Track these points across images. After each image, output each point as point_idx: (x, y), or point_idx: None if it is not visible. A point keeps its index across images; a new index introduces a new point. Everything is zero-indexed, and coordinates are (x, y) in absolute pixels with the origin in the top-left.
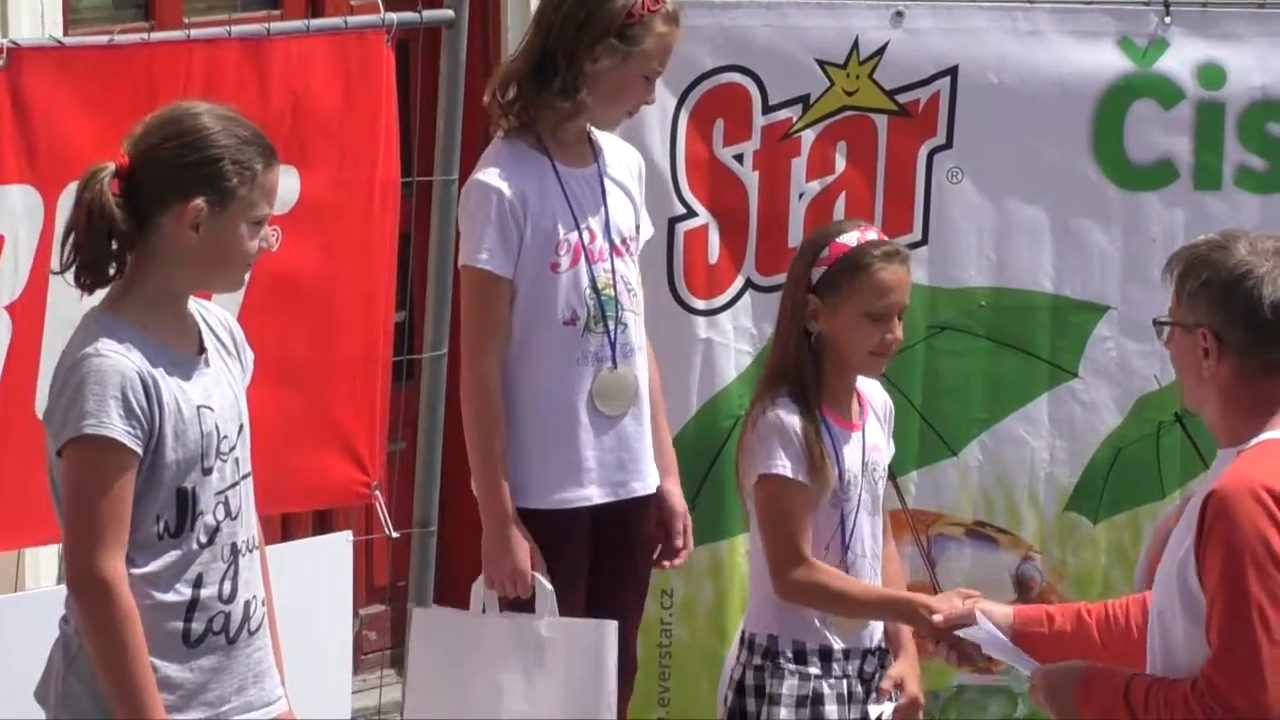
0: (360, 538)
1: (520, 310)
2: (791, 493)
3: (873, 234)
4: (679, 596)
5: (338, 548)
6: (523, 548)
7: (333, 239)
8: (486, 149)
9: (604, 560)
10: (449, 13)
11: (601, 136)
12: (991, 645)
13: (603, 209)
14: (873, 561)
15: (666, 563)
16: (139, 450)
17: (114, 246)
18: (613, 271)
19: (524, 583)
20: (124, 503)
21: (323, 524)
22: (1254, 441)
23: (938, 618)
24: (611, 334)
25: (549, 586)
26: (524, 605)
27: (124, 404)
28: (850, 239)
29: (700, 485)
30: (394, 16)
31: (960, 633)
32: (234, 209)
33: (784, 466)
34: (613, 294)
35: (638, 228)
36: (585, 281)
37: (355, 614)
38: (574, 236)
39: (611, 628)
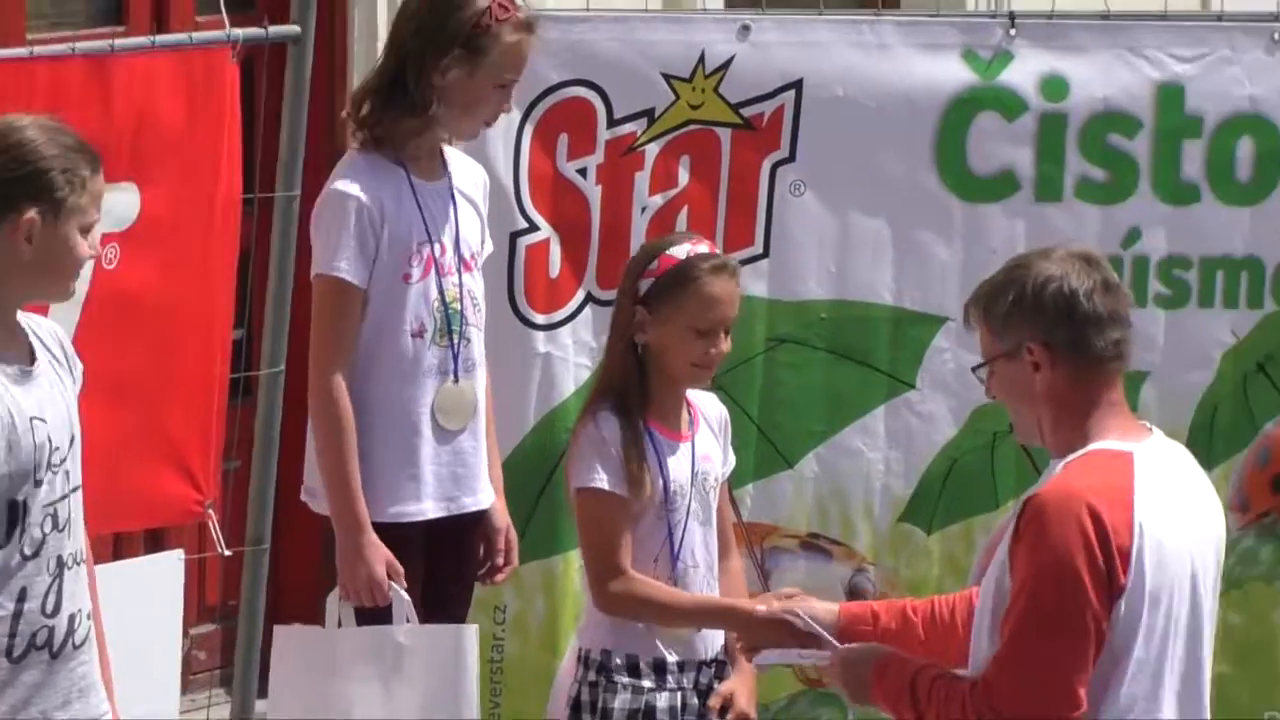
0: (192, 556)
1: (370, 320)
2: (608, 506)
3: (704, 247)
4: (511, 611)
5: (169, 566)
6: (379, 557)
7: (172, 255)
8: (342, 161)
9: (435, 574)
10: (295, 29)
11: (450, 152)
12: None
13: (453, 223)
14: (706, 573)
15: (490, 580)
16: None
17: None
18: (460, 285)
19: (381, 592)
20: None
21: (155, 543)
22: (1082, 451)
23: (760, 608)
24: (455, 348)
25: (405, 595)
26: (380, 615)
27: None
28: (680, 251)
29: (536, 500)
30: (239, 32)
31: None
32: (66, 217)
33: (601, 480)
34: (459, 308)
35: (483, 243)
36: (434, 294)
37: (185, 633)
38: (426, 249)
39: (471, 632)
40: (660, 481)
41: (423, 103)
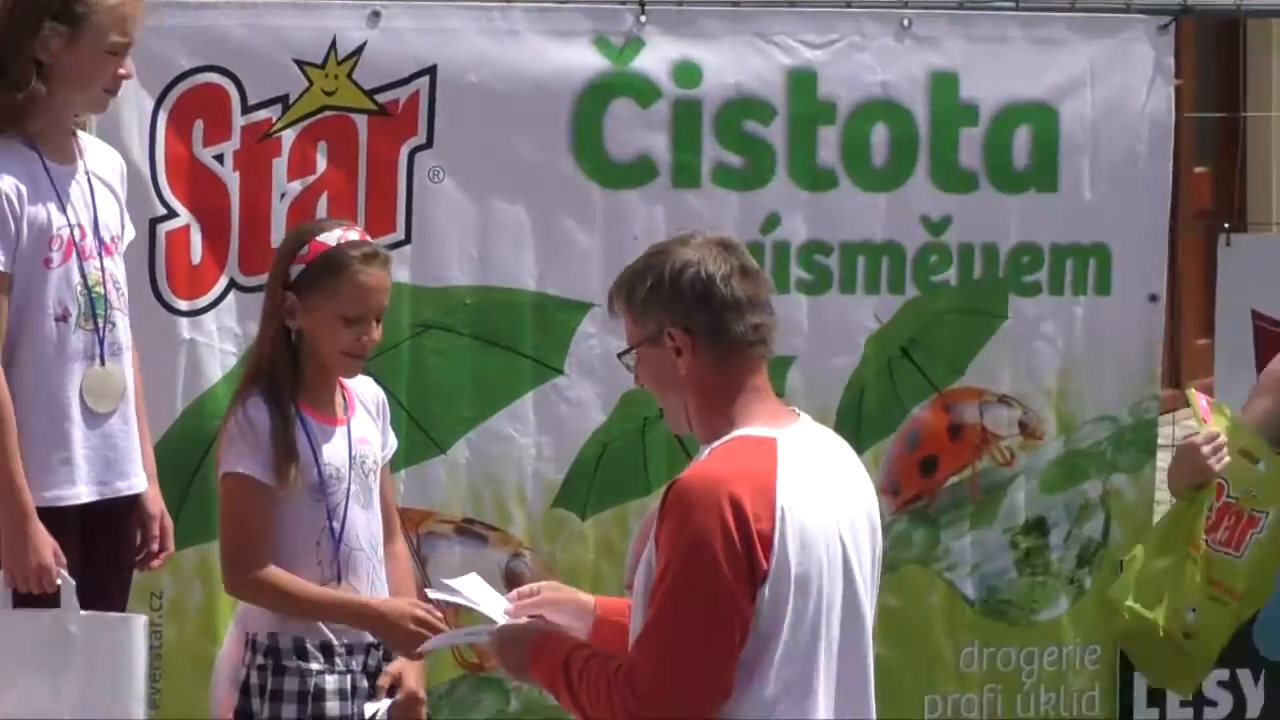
0: None
1: (14, 305)
2: (251, 491)
3: (354, 234)
4: (168, 598)
5: None
6: (47, 543)
7: None
8: None
9: (91, 559)
10: None
11: (84, 137)
12: (450, 637)
13: (91, 206)
14: (370, 554)
15: (146, 566)
16: None
17: None
18: (102, 270)
19: (49, 579)
20: None
21: None
22: (727, 437)
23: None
24: (100, 331)
25: (72, 581)
26: (40, 601)
27: None
28: (331, 238)
29: (187, 487)
30: None
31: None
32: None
33: (246, 466)
34: (102, 291)
35: (123, 228)
36: (76, 278)
37: None
38: (65, 232)
39: (140, 623)
40: (314, 468)
41: (23, 79)
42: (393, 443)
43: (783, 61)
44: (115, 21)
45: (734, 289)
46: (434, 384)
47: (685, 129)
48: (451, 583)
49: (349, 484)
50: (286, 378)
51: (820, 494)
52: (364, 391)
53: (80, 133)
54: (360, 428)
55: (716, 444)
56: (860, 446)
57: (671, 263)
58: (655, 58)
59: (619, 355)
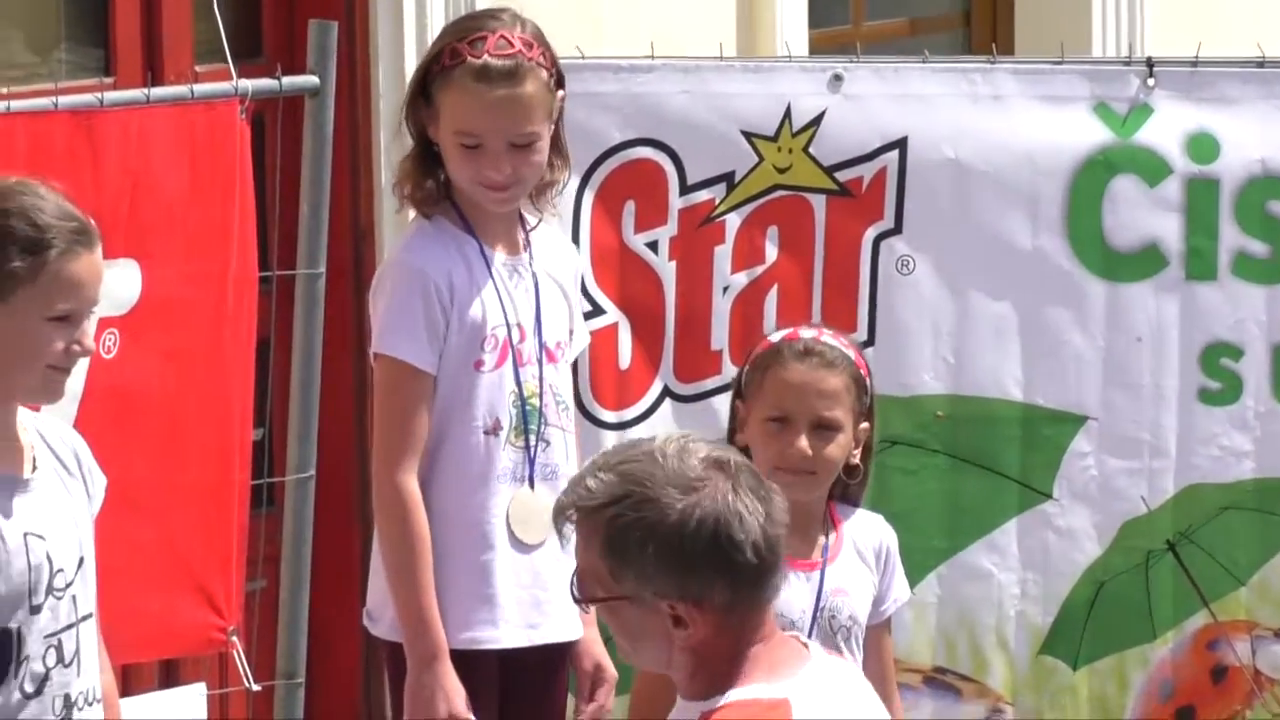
0: (215, 691)
1: (436, 412)
2: None
3: (811, 332)
4: None
5: (190, 703)
6: (458, 689)
7: (179, 344)
8: (408, 228)
9: (510, 718)
10: (313, 79)
11: (531, 223)
12: None
13: (534, 306)
14: None
15: None
16: None
17: None
18: (540, 379)
19: None
20: None
21: (168, 676)
22: (721, 701)
23: None
24: (531, 450)
25: None
26: None
27: None
28: (778, 335)
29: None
30: (249, 84)
31: None
32: (18, 301)
33: None
34: (538, 404)
35: (571, 333)
36: (510, 386)
37: None
38: (502, 332)
39: None
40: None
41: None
42: (898, 597)
43: None
44: (466, 112)
45: (765, 553)
46: (900, 510)
47: (1200, 211)
48: None
49: (811, 636)
50: None
51: None
52: (863, 534)
53: (528, 218)
54: (839, 576)
55: (710, 706)
56: None
57: (679, 516)
58: (1165, 128)
59: (573, 594)
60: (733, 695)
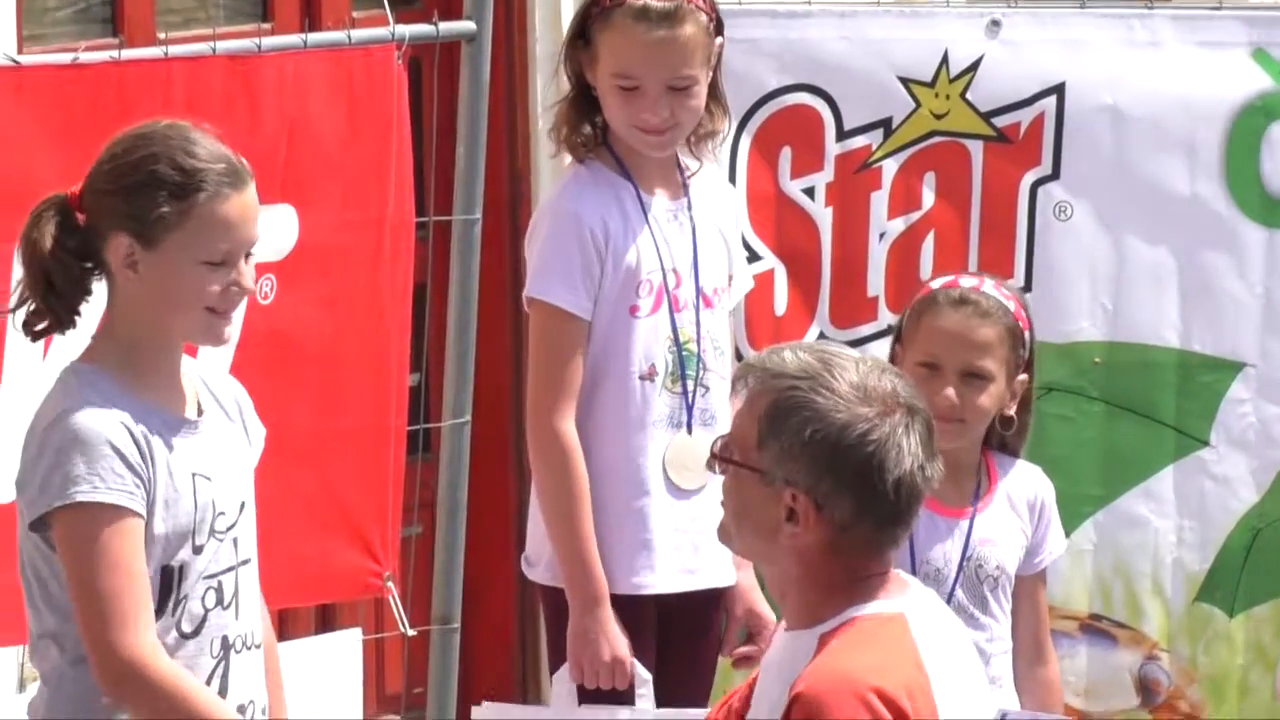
0: (370, 636)
1: (592, 357)
2: None
3: (972, 280)
4: None
5: (346, 648)
6: (620, 634)
7: (336, 289)
8: (565, 173)
9: (667, 661)
10: (469, 25)
11: (692, 166)
12: None
13: (692, 250)
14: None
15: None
16: (143, 512)
17: (63, 290)
18: (697, 324)
19: (623, 673)
20: (136, 575)
21: (325, 621)
22: (835, 621)
23: None
24: (689, 396)
25: (648, 675)
26: (611, 697)
27: (117, 464)
28: (939, 282)
29: None
30: (405, 29)
31: None
32: (169, 246)
33: None
34: (695, 350)
35: (730, 278)
36: (666, 331)
37: None
38: (657, 277)
39: None
40: (909, 560)
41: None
42: (1053, 550)
43: None
44: (624, 53)
45: (904, 496)
46: (1056, 456)
47: None
48: None
49: (954, 585)
50: None
51: (969, 686)
52: (1018, 485)
53: (688, 161)
54: (987, 526)
55: (825, 628)
56: None
57: (846, 421)
58: None
59: (712, 453)
60: (852, 611)
